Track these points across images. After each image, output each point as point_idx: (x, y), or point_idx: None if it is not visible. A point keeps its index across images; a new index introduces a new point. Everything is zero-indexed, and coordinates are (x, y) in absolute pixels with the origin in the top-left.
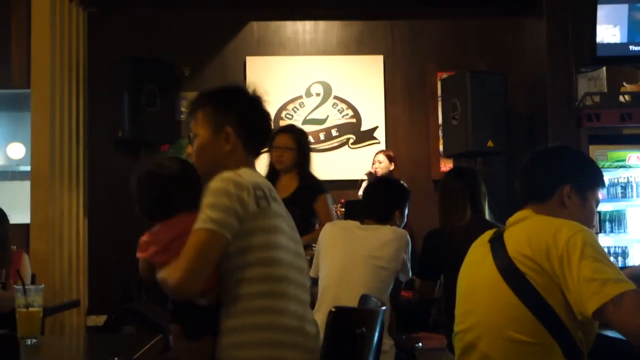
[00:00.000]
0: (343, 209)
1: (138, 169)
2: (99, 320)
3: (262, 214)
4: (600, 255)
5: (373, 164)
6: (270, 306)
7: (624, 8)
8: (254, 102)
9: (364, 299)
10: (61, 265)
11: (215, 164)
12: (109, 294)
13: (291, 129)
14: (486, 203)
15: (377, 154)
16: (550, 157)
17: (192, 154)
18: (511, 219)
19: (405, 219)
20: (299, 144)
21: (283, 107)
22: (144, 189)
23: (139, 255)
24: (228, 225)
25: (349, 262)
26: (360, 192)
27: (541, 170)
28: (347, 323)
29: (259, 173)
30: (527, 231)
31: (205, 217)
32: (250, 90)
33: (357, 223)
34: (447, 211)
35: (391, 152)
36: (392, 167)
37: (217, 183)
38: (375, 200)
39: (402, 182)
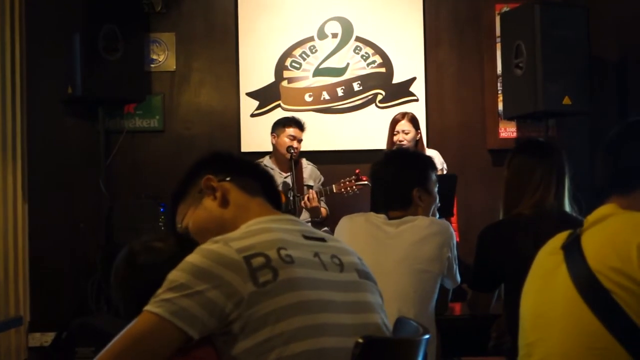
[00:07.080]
0: (359, 183)
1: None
2: (45, 339)
3: (268, 293)
4: None
5: (394, 134)
6: None
7: None
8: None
9: (401, 324)
10: None
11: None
12: (58, 304)
13: None
14: (568, 192)
15: (396, 121)
16: None
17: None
18: (590, 217)
19: (437, 200)
20: None
21: (288, 54)
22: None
23: None
24: (190, 317)
25: (376, 270)
26: None
27: (630, 149)
28: (379, 357)
29: (272, 216)
30: (611, 233)
31: (159, 297)
32: None
33: (382, 217)
34: (514, 199)
35: (411, 113)
36: (418, 136)
37: (190, 257)
38: (382, 183)
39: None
